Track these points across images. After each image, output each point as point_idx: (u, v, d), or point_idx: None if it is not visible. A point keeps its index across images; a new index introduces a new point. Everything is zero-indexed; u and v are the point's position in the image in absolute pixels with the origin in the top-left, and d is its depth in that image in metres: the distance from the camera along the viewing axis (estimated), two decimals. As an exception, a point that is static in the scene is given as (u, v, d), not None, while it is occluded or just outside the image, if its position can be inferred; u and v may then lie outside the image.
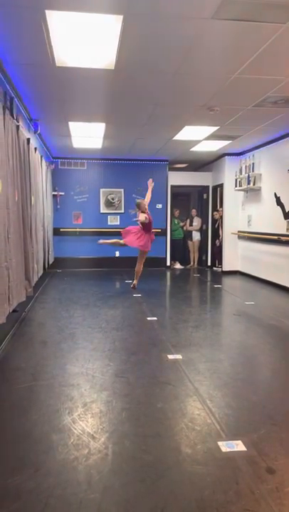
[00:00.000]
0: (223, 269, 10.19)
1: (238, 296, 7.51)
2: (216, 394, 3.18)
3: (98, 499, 1.98)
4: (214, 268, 10.88)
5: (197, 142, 8.29)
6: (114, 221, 10.66)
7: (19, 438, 2.54)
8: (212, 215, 11.03)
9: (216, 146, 8.68)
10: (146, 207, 7.28)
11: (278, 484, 2.09)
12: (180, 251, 11.46)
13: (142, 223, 7.19)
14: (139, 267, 7.47)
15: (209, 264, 11.18)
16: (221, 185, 10.28)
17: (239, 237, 9.94)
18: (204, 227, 11.33)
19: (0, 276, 3.82)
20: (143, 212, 7.19)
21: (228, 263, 10.13)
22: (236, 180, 9.58)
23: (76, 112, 6.10)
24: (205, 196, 11.39)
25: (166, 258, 10.90)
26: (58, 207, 10.32)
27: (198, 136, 7.75)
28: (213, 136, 7.70)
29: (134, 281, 7.56)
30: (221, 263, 10.44)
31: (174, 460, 2.30)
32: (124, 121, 6.70)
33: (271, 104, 5.58)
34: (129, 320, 5.44)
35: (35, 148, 6.57)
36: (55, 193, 10.19)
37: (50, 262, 9.00)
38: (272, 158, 8.20)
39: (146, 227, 7.25)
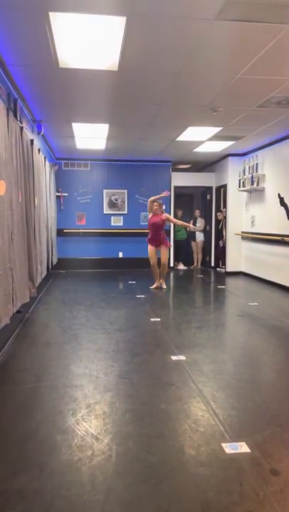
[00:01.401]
0: (227, 270, 10.18)
1: (241, 296, 7.49)
2: (220, 395, 3.17)
3: (102, 500, 1.98)
4: (218, 269, 10.86)
5: (200, 143, 8.28)
6: (117, 222, 10.67)
7: (23, 439, 2.54)
8: (215, 216, 11.01)
9: (219, 146, 8.67)
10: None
11: (283, 486, 2.08)
12: (183, 252, 11.46)
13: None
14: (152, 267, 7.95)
15: (213, 264, 11.17)
16: (225, 186, 10.27)
17: (243, 238, 9.92)
18: (208, 227, 11.32)
19: (4, 277, 3.83)
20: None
21: (232, 264, 10.12)
22: (240, 180, 9.56)
23: (79, 113, 6.11)
24: (208, 197, 11.38)
25: (169, 259, 10.90)
26: (62, 208, 10.34)
27: (201, 137, 7.74)
28: (216, 137, 7.70)
29: (156, 283, 7.96)
30: (224, 264, 10.43)
31: (177, 461, 2.30)
32: (128, 122, 6.70)
33: (275, 104, 5.57)
34: (133, 321, 5.44)
35: (39, 149, 6.59)
36: (59, 193, 10.20)
37: (54, 263, 9.01)
38: (276, 159, 8.18)
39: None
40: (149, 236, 7.98)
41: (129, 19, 3.29)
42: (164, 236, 7.94)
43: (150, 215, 7.92)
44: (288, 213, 7.60)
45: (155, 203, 7.84)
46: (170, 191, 10.58)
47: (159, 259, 7.89)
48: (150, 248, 7.88)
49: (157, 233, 7.82)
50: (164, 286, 7.93)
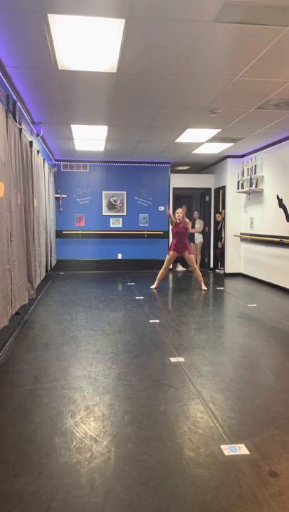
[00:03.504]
0: (226, 272, 10.18)
1: (240, 298, 7.50)
2: (219, 397, 3.17)
3: (101, 503, 1.97)
4: (216, 270, 10.87)
5: (199, 144, 8.30)
6: (116, 223, 10.67)
7: (22, 441, 2.54)
8: (214, 218, 11.03)
9: (218, 148, 8.69)
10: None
11: (281, 488, 2.08)
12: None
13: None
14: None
15: (211, 266, 11.17)
16: (223, 188, 10.28)
17: (241, 240, 9.93)
18: (206, 229, 11.33)
19: (2, 279, 3.83)
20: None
21: (231, 265, 10.13)
22: (238, 182, 9.58)
23: (78, 114, 6.11)
24: (207, 198, 11.40)
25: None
26: (61, 209, 10.35)
27: (200, 139, 7.76)
28: (215, 139, 7.71)
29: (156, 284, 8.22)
30: (223, 265, 10.43)
31: (176, 463, 2.29)
32: (127, 124, 6.71)
33: (273, 106, 5.59)
34: (132, 322, 5.44)
35: (38, 151, 6.59)
36: (58, 195, 10.21)
37: (53, 265, 9.01)
38: (274, 160, 8.19)
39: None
40: (173, 244, 8.10)
41: (128, 21, 3.30)
42: (187, 242, 8.09)
43: (174, 224, 8.09)
44: (287, 215, 7.62)
45: (179, 211, 8.06)
46: (169, 197, 10.69)
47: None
48: (171, 254, 8.08)
49: (182, 240, 7.99)
50: (204, 288, 8.05)
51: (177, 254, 8.05)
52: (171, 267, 10.86)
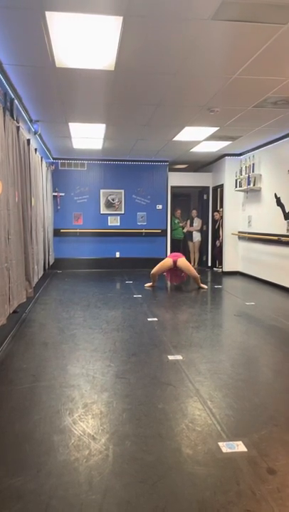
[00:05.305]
0: (224, 270, 10.20)
1: (238, 296, 7.51)
2: (217, 394, 3.18)
3: (99, 500, 1.98)
4: (214, 269, 10.88)
5: (197, 143, 8.29)
6: (114, 222, 10.67)
7: (20, 439, 2.54)
8: (212, 216, 11.03)
9: (216, 146, 8.68)
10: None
11: (279, 485, 2.08)
12: (180, 251, 11.45)
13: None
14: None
15: (210, 264, 11.18)
16: (221, 186, 10.29)
17: (239, 238, 9.94)
18: (204, 227, 11.34)
19: (0, 277, 3.82)
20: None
21: (229, 264, 10.14)
22: (236, 180, 9.58)
23: (76, 112, 6.10)
24: (205, 197, 11.40)
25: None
26: (59, 208, 10.33)
27: (198, 137, 7.75)
28: (213, 137, 7.71)
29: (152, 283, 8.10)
30: (221, 264, 10.44)
31: (174, 461, 2.30)
32: (125, 122, 6.70)
33: (271, 104, 5.59)
34: (130, 321, 5.44)
35: (36, 149, 6.58)
36: (56, 193, 10.20)
37: (51, 263, 9.00)
38: (272, 159, 8.20)
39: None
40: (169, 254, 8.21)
41: (125, 19, 3.29)
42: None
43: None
44: (285, 213, 7.63)
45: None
46: (167, 195, 10.80)
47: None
48: (167, 260, 7.95)
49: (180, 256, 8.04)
50: (204, 287, 8.01)
51: (172, 260, 7.81)
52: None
